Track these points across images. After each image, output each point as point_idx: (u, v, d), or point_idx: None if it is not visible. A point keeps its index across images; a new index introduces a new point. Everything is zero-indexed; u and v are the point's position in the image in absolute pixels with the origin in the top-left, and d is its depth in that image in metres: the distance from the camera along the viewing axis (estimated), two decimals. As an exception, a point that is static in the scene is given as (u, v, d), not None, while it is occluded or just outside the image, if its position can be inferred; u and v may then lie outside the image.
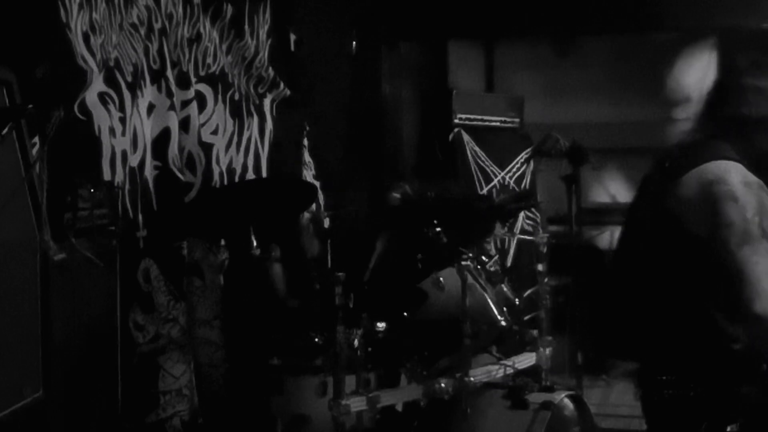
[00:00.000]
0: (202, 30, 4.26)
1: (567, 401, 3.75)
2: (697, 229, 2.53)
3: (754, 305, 2.40)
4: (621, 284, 2.80)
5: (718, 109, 2.71)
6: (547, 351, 4.03)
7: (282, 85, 4.88)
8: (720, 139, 2.64)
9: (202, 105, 4.28)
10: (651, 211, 2.69)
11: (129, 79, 3.76)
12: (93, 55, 3.49)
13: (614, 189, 7.45)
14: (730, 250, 2.45)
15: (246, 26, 4.60)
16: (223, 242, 4.19)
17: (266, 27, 4.78)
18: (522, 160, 6.57)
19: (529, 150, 6.57)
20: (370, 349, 3.56)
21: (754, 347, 2.48)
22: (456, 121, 6.42)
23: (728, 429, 2.54)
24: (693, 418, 2.57)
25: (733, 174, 2.53)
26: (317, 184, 4.69)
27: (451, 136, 6.37)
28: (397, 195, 4.26)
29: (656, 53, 7.23)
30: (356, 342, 3.39)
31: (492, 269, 4.09)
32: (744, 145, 2.61)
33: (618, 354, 2.87)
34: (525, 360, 3.97)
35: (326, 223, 4.28)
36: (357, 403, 3.31)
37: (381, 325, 3.63)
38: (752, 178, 2.53)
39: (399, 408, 3.83)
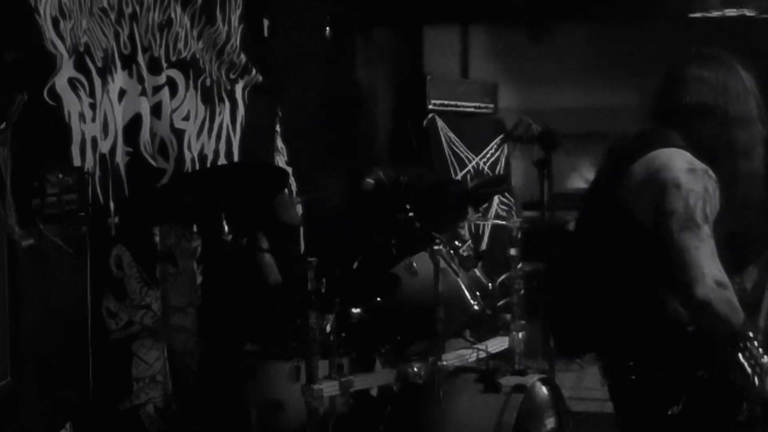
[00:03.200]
0: (173, 15, 4.22)
1: (539, 385, 3.78)
2: (643, 216, 2.58)
3: (695, 290, 2.44)
4: (578, 272, 2.83)
5: (665, 98, 2.75)
6: (520, 335, 4.06)
7: (254, 71, 4.85)
8: (669, 127, 2.69)
9: (173, 91, 4.25)
10: (602, 200, 2.73)
11: (99, 64, 3.73)
12: (62, 40, 3.46)
13: (588, 175, 7.47)
14: (673, 236, 2.49)
15: (218, 12, 4.57)
16: (195, 228, 4.17)
17: (238, 12, 4.75)
18: (496, 145, 6.58)
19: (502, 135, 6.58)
20: (343, 334, 3.57)
21: (701, 330, 2.52)
22: (430, 106, 6.42)
23: (670, 411, 2.59)
24: (659, 400, 2.60)
25: (678, 161, 2.58)
26: (290, 170, 4.67)
27: (425, 122, 6.37)
28: (370, 180, 4.26)
29: (630, 40, 7.25)
30: (329, 327, 3.39)
31: (465, 254, 4.10)
32: (689, 134, 2.66)
33: (578, 349, 2.91)
34: (498, 344, 4.00)
35: (299, 209, 4.28)
36: (330, 388, 3.32)
37: (355, 311, 3.64)
38: (698, 164, 2.58)
39: (374, 393, 3.85)
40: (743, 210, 2.67)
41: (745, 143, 2.67)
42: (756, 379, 2.47)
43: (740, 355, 2.47)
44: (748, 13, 6.19)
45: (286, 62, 5.31)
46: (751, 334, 2.49)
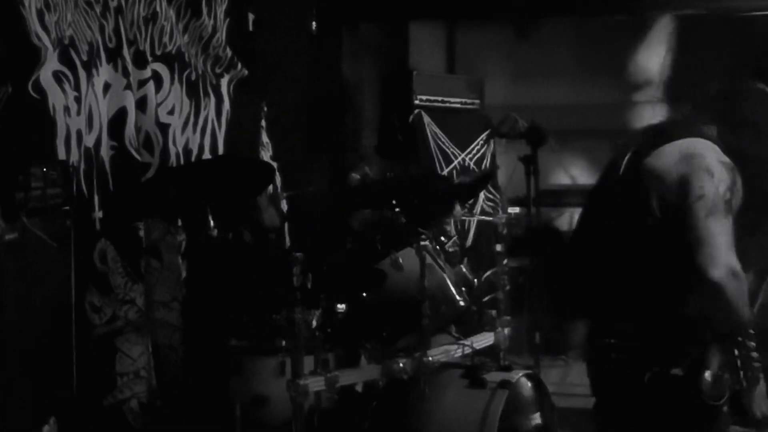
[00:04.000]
0: (158, 8, 4.21)
1: (524, 380, 3.78)
2: (670, 196, 2.64)
3: (711, 272, 2.50)
4: (581, 258, 2.85)
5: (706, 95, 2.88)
6: (506, 331, 4.06)
7: (240, 65, 4.84)
8: (705, 121, 2.78)
9: (158, 85, 4.24)
10: (618, 186, 2.78)
11: (84, 57, 3.71)
12: (47, 32, 3.44)
13: (574, 171, 7.49)
14: (698, 219, 2.56)
15: (203, 5, 4.56)
16: (180, 223, 4.16)
17: (224, 6, 4.73)
18: (482, 141, 6.58)
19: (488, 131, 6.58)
20: (329, 329, 3.55)
21: (707, 314, 2.55)
22: (416, 102, 6.41)
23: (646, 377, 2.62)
24: (634, 373, 2.62)
25: (711, 151, 2.67)
26: (275, 165, 4.66)
27: (411, 118, 6.36)
28: (356, 176, 4.25)
29: (617, 36, 7.26)
30: (315, 322, 3.37)
31: (451, 250, 4.10)
32: (725, 129, 2.75)
33: (571, 314, 2.97)
34: (483, 340, 3.99)
35: (284, 204, 4.26)
36: (315, 384, 3.30)
37: (341, 306, 3.63)
38: (727, 159, 2.66)
39: (359, 388, 3.85)
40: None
41: None
42: (744, 381, 2.49)
43: (737, 350, 2.49)
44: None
45: (272, 57, 5.29)
46: (752, 331, 2.52)
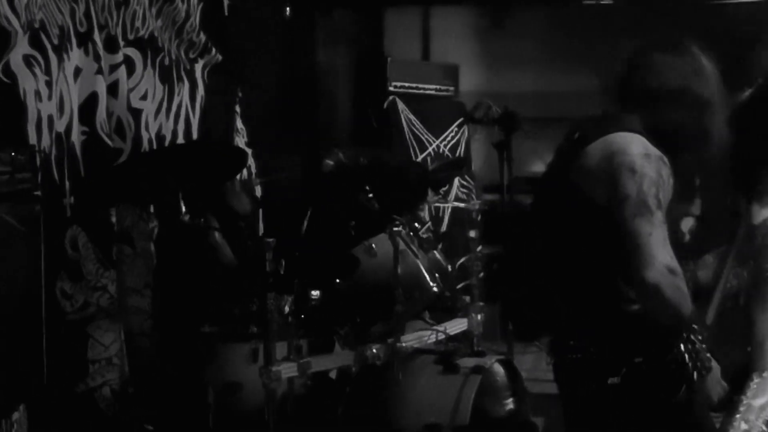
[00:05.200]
0: (130, -8, 4.17)
1: (497, 366, 3.80)
2: (598, 198, 2.59)
3: (646, 274, 2.45)
4: (532, 254, 2.85)
5: (628, 83, 2.76)
6: (479, 317, 4.07)
7: (214, 50, 4.80)
8: (627, 111, 2.70)
9: (131, 69, 4.20)
10: (558, 181, 2.74)
11: (55, 41, 3.67)
12: (17, 16, 3.40)
13: (549, 158, 7.49)
14: (626, 221, 2.50)
15: (177, -11, 4.52)
16: (152, 209, 4.13)
17: (198, -10, 4.70)
18: (456, 128, 6.58)
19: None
20: (302, 315, 3.55)
21: (647, 314, 2.54)
22: (391, 88, 6.40)
23: (609, 380, 2.61)
24: (599, 371, 2.62)
25: (634, 146, 2.58)
26: (249, 151, 4.64)
27: (385, 104, 6.35)
28: (330, 162, 4.24)
29: (590, 23, 7.27)
30: (287, 308, 3.37)
31: (425, 236, 4.10)
32: (651, 119, 2.66)
33: (532, 332, 2.95)
34: (457, 326, 4.01)
35: (258, 190, 4.25)
36: (288, 370, 3.30)
37: (315, 293, 3.62)
38: (653, 150, 2.59)
39: (333, 375, 3.85)
40: (705, 195, 2.71)
41: (710, 127, 2.69)
42: (695, 373, 2.50)
43: (683, 345, 2.49)
44: None
45: (247, 42, 5.26)
46: (696, 326, 2.52)
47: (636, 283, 2.51)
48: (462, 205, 4.85)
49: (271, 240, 3.27)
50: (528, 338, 5.54)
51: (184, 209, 3.58)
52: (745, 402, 3.56)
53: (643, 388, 2.60)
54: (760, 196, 3.69)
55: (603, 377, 2.62)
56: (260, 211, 4.10)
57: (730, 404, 2.76)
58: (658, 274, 2.45)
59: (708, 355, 2.54)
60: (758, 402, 3.70)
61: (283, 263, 3.34)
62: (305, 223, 4.01)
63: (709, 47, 2.80)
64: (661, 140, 2.63)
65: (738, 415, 3.52)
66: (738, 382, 2.88)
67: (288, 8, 5.79)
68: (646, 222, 2.49)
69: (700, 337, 2.51)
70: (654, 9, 6.43)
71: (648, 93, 2.70)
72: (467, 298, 4.09)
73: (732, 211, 3.50)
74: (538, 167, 7.51)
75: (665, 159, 2.59)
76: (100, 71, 3.92)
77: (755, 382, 3.70)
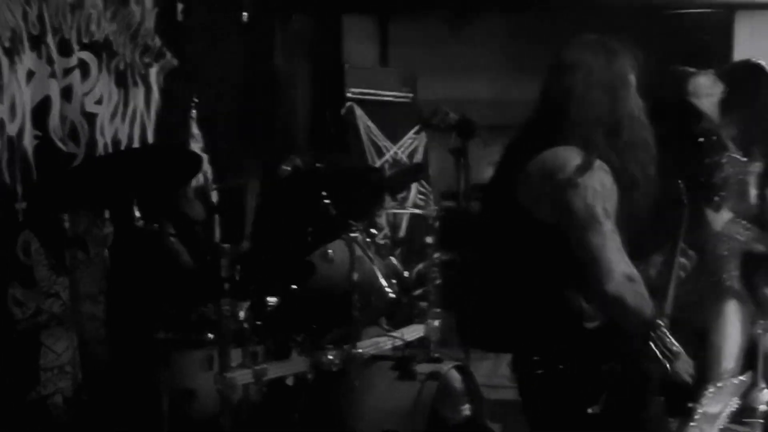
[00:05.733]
0: (85, -5, 4.12)
1: (454, 372, 3.80)
2: (546, 216, 2.59)
3: (606, 286, 2.46)
4: (483, 273, 2.85)
5: (551, 89, 2.76)
6: (436, 323, 4.08)
7: (169, 55, 4.77)
8: (556, 119, 2.67)
9: (85, 73, 4.15)
10: (503, 200, 2.73)
11: (6, 44, 3.62)
12: (-33, 18, 3.35)
13: (493, 170, 7.52)
14: (577, 236, 2.51)
15: (131, -7, 4.48)
16: (107, 214, 4.08)
17: (152, -6, 4.66)
18: (414, 134, 6.59)
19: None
20: (258, 322, 3.53)
21: (609, 325, 2.55)
22: (348, 95, 6.40)
23: (590, 410, 2.61)
24: (564, 394, 2.62)
25: (570, 159, 2.57)
26: (205, 156, 4.60)
27: (343, 110, 6.34)
28: (287, 168, 4.22)
29: (548, 32, 7.32)
30: (243, 315, 3.35)
31: (382, 242, 4.10)
32: (577, 125, 2.64)
33: (486, 345, 2.94)
34: (413, 332, 4.01)
35: (214, 196, 4.22)
36: (243, 377, 3.28)
37: (270, 299, 3.60)
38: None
39: (289, 381, 3.83)
40: (638, 196, 2.71)
41: (632, 129, 2.68)
42: (668, 364, 2.52)
43: (652, 344, 2.51)
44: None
45: (203, 47, 5.22)
46: (660, 322, 2.54)
47: (598, 297, 2.52)
48: (419, 211, 4.85)
49: (227, 246, 3.25)
50: (485, 348, 5.53)
51: (138, 214, 3.54)
52: (700, 411, 3.61)
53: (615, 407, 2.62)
54: (714, 204, 3.75)
55: (574, 394, 2.63)
56: (216, 216, 4.06)
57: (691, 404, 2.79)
58: (619, 284, 2.46)
59: (673, 341, 2.55)
60: (713, 410, 3.76)
61: (239, 269, 3.31)
62: (261, 229, 3.99)
63: (651, 53, 2.80)
64: (592, 146, 2.60)
65: (693, 423, 3.57)
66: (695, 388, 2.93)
67: (245, 13, 5.76)
68: (597, 234, 2.49)
69: (665, 330, 2.53)
70: (612, 18, 6.50)
71: (561, 94, 2.69)
72: (424, 305, 4.09)
73: (675, 207, 3.52)
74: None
75: (605, 166, 2.58)
76: (53, 75, 3.88)
77: (711, 391, 3.75)
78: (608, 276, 2.46)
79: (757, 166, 3.98)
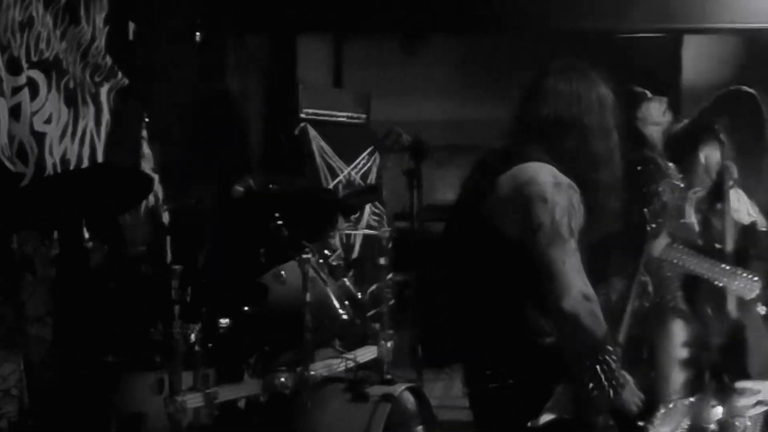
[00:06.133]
0: (34, 14, 4.07)
1: (407, 394, 3.79)
2: (510, 230, 2.61)
3: (562, 303, 2.49)
4: (442, 287, 2.85)
5: (524, 112, 2.78)
6: (389, 345, 4.06)
7: (120, 74, 4.73)
8: (531, 141, 2.72)
9: (34, 92, 4.10)
10: (468, 213, 2.75)
11: (-47, 62, 3.57)
12: None
13: (458, 186, 7.56)
14: (540, 250, 2.53)
15: (82, 11, 4.44)
16: (55, 235, 4.02)
17: (103, 13, 4.62)
18: (368, 155, 6.60)
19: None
20: (210, 344, 3.49)
21: (564, 342, 2.56)
22: (302, 115, 6.39)
23: (529, 424, 2.62)
24: (514, 408, 2.63)
25: (543, 175, 2.60)
26: (156, 176, 4.57)
27: (297, 131, 6.33)
28: (240, 188, 4.20)
29: (500, 53, 7.39)
30: (194, 337, 3.30)
31: (335, 263, 4.09)
32: (550, 147, 2.69)
33: (444, 359, 2.94)
34: (366, 353, 3.99)
35: (165, 216, 4.17)
36: (194, 400, 3.23)
37: (223, 321, 3.57)
38: (562, 178, 2.62)
39: (242, 404, 3.79)
40: (604, 220, 2.74)
41: (603, 153, 2.73)
42: (611, 391, 2.54)
43: (598, 366, 2.53)
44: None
45: (155, 67, 5.19)
46: (610, 347, 2.56)
47: (553, 312, 2.53)
48: (373, 232, 4.85)
49: (177, 267, 3.21)
50: (439, 364, 5.55)
51: (87, 235, 3.49)
52: (651, 430, 3.64)
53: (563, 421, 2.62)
54: (653, 231, 3.79)
55: (524, 408, 2.63)
56: (167, 237, 4.02)
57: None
58: (575, 302, 2.49)
59: (622, 371, 2.58)
60: (664, 430, 3.79)
61: (190, 291, 3.27)
62: (213, 250, 3.95)
63: (610, 76, 2.85)
64: (564, 166, 2.65)
65: None
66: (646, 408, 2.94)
67: (198, 33, 5.74)
68: (560, 250, 2.52)
69: (614, 357, 2.55)
70: (562, 41, 6.59)
71: (542, 121, 2.72)
72: (377, 326, 4.07)
73: (636, 233, 3.57)
74: (448, 195, 7.58)
75: (575, 186, 2.62)
76: (1, 93, 3.82)
77: (662, 413, 3.79)
78: (566, 292, 2.49)
79: (698, 191, 4.04)
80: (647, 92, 4.02)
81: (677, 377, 3.96)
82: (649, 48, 6.92)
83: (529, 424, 2.60)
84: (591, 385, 2.52)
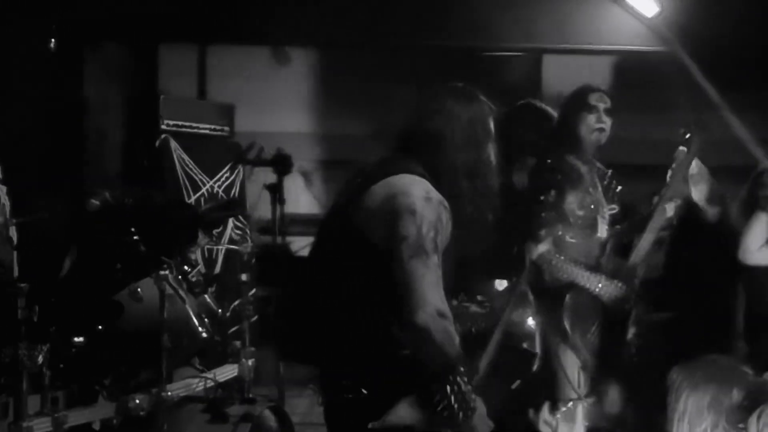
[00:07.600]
0: None
1: (268, 413, 3.74)
2: (377, 239, 2.60)
3: (416, 316, 2.48)
4: (307, 292, 2.81)
5: (405, 127, 2.83)
6: (250, 362, 3.99)
7: (-32, 81, 4.50)
8: (407, 154, 2.75)
9: None
10: (338, 222, 2.74)
11: None
12: None
13: (323, 200, 7.54)
14: (402, 261, 2.53)
15: None
16: None
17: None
18: (231, 168, 6.49)
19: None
20: (61, 365, 3.34)
21: (416, 356, 2.56)
22: (163, 127, 6.24)
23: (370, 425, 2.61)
24: (365, 419, 2.60)
25: (415, 188, 2.62)
26: (4, 188, 4.35)
27: (157, 142, 6.17)
28: (95, 201, 4.05)
29: (369, 68, 7.40)
30: (41, 358, 3.15)
31: (194, 279, 3.98)
32: (426, 161, 2.72)
33: (298, 358, 2.90)
34: (227, 372, 3.91)
35: (13, 231, 3.98)
36: (41, 425, 3.09)
37: (76, 340, 3.42)
38: (434, 194, 2.63)
39: (97, 427, 3.64)
40: (478, 232, 2.76)
41: (475, 166, 2.76)
42: (460, 414, 2.53)
43: (448, 387, 2.52)
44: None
45: (5, 75, 4.97)
46: (462, 368, 2.55)
47: (406, 325, 2.52)
48: (235, 247, 4.75)
49: (24, 285, 3.06)
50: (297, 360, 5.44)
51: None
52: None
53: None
54: (535, 235, 3.88)
55: (373, 419, 2.60)
56: (15, 253, 3.83)
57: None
58: (429, 317, 2.48)
59: (473, 396, 2.57)
60: (564, 429, 3.92)
61: (37, 310, 3.12)
62: (65, 266, 3.79)
63: (488, 95, 2.89)
64: (435, 179, 2.67)
65: None
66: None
67: (53, 40, 5.52)
68: (421, 264, 2.51)
69: (465, 379, 2.54)
70: (433, 58, 6.64)
71: (427, 137, 2.76)
72: (238, 343, 3.99)
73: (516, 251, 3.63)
74: (313, 209, 7.54)
75: (446, 203, 2.63)
76: None
77: (562, 411, 3.92)
78: (420, 306, 2.48)
79: (613, 208, 4.17)
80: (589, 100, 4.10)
81: (571, 381, 4.04)
82: (512, 65, 7.05)
83: (370, 425, 2.57)
84: (439, 403, 2.51)
